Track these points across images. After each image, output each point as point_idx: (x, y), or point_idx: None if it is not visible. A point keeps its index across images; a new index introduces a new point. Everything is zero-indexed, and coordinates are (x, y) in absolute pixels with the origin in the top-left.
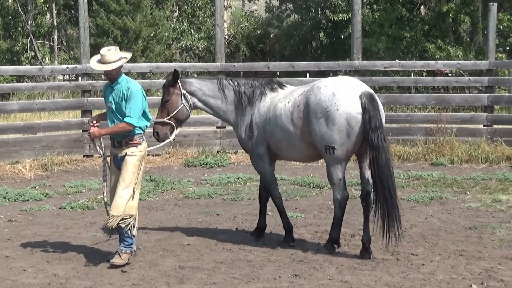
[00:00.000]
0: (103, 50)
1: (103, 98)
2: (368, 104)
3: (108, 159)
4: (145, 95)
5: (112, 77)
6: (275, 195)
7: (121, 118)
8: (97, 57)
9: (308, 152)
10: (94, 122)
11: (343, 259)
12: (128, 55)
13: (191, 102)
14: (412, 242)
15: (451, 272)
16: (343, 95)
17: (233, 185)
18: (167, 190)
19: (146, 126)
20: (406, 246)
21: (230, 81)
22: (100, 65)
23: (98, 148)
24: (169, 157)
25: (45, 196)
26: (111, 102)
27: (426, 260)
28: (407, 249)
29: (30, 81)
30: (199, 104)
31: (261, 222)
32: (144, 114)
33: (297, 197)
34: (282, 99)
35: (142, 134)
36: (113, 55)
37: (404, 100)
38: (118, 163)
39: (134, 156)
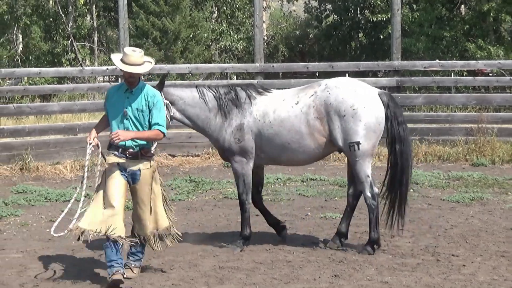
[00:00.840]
0: (128, 50)
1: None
2: (389, 101)
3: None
4: None
5: (134, 81)
6: (246, 201)
7: (139, 127)
8: (119, 55)
9: (315, 153)
10: (94, 139)
11: (383, 260)
12: (152, 60)
13: (172, 112)
14: (452, 243)
15: (492, 273)
16: (365, 93)
17: (272, 186)
18: (206, 191)
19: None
20: (446, 247)
21: (210, 88)
22: (128, 66)
23: (101, 155)
24: (209, 158)
25: (85, 196)
26: (127, 108)
27: (467, 261)
28: (448, 250)
29: (71, 82)
30: (177, 114)
31: (271, 220)
32: None
33: (336, 198)
34: (284, 102)
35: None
36: (140, 58)
37: (444, 100)
38: (131, 178)
39: (148, 170)
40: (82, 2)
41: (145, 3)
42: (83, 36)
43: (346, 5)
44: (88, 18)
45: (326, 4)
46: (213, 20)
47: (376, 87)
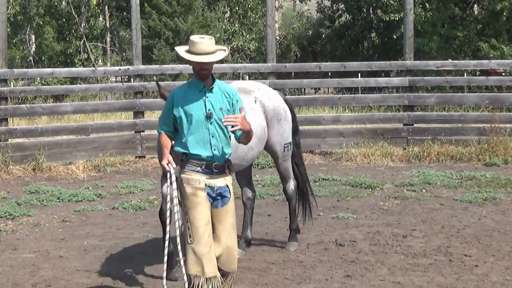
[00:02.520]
0: (195, 38)
1: (154, 100)
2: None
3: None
4: None
5: (207, 73)
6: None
7: (225, 131)
8: (184, 47)
9: (254, 158)
10: (172, 163)
11: (395, 260)
12: (226, 48)
13: None
14: (465, 243)
15: (505, 273)
16: (280, 97)
17: None
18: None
19: None
20: (459, 247)
21: None
22: (198, 56)
23: (172, 170)
24: None
25: (98, 196)
26: (210, 109)
27: (480, 261)
28: (460, 250)
29: (83, 82)
30: None
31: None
32: None
33: (348, 198)
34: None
35: None
36: (211, 45)
37: (457, 100)
38: (220, 198)
39: (232, 186)
40: (95, 3)
41: (157, 3)
42: (95, 36)
43: (358, 4)
44: (101, 18)
45: (339, 4)
46: (225, 20)
47: (388, 87)
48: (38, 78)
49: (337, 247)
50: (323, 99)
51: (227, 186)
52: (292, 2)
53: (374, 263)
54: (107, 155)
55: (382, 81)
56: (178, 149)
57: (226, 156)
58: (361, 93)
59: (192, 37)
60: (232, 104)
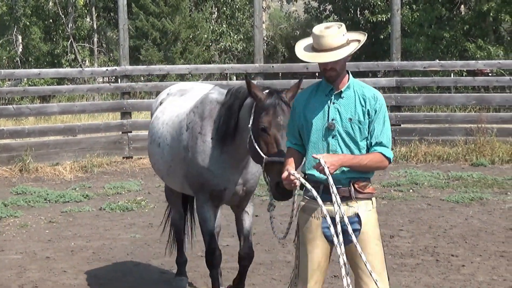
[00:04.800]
0: (317, 29)
1: (141, 101)
2: None
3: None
4: None
5: (336, 74)
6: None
7: (354, 148)
8: (306, 41)
9: None
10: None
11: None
12: (362, 36)
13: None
14: (452, 243)
15: (491, 273)
16: None
17: None
18: None
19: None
20: (446, 247)
21: None
22: (315, 54)
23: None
24: None
25: (85, 197)
26: (334, 119)
27: (466, 261)
28: (447, 250)
29: (70, 83)
30: None
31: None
32: None
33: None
34: None
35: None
36: (337, 37)
37: (443, 100)
38: (345, 233)
39: (371, 214)
40: (82, 3)
41: (145, 4)
42: (82, 37)
43: (346, 5)
44: (88, 19)
45: (326, 5)
46: (213, 21)
47: (375, 87)
48: (25, 79)
49: None
50: None
51: (358, 216)
52: (280, 2)
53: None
54: (94, 155)
55: (369, 81)
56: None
57: (351, 179)
58: None
59: (315, 29)
60: (368, 114)
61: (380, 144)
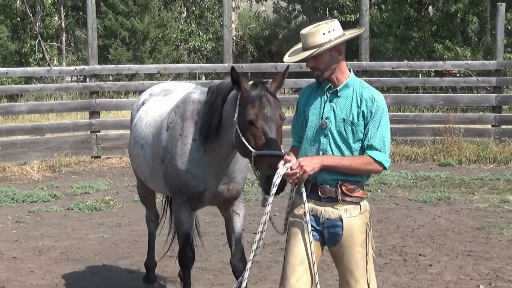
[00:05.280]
0: (305, 29)
1: (110, 100)
2: None
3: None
4: None
5: (320, 73)
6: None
7: (345, 149)
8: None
9: None
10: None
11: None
12: (357, 30)
13: None
14: (419, 242)
15: (458, 272)
16: None
17: None
18: None
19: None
20: (414, 246)
21: None
22: (295, 53)
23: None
24: None
25: (53, 197)
26: (328, 118)
27: (434, 260)
28: (415, 250)
29: (38, 82)
30: None
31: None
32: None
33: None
34: None
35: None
36: (315, 36)
37: (412, 101)
38: (329, 234)
39: (356, 220)
40: (50, 2)
41: (113, 3)
42: (51, 36)
43: (315, 5)
44: (56, 17)
45: (295, 5)
46: (182, 20)
47: None
48: None
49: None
50: (279, 99)
51: (341, 219)
52: (249, 2)
53: (330, 262)
54: (62, 155)
55: None
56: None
57: (339, 181)
58: None
59: (300, 32)
60: (363, 115)
61: (370, 147)
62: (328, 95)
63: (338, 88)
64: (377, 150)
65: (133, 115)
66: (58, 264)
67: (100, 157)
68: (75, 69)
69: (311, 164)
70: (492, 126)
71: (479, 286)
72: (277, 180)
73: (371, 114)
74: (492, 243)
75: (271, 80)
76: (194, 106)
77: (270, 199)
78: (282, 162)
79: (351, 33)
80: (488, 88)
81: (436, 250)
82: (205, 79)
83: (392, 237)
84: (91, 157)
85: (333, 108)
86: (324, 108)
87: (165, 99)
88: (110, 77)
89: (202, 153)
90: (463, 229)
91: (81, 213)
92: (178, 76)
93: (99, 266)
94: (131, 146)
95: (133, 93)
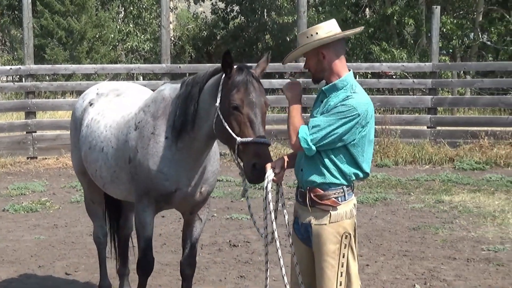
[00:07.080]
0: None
1: (46, 100)
2: None
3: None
4: (364, 123)
5: (312, 74)
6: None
7: (332, 154)
8: None
9: None
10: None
11: (288, 261)
12: (336, 32)
13: None
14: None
15: (394, 272)
16: None
17: None
18: None
19: (357, 177)
20: None
21: None
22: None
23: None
24: None
25: None
26: (314, 116)
27: (371, 260)
28: None
29: None
30: None
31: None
32: (355, 159)
33: (242, 199)
34: None
35: (346, 188)
36: (301, 38)
37: None
38: (301, 234)
39: (323, 228)
40: None
41: (50, 2)
42: None
43: (253, 7)
44: None
45: (233, 6)
46: (119, 20)
47: (281, 89)
48: None
49: (231, 248)
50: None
51: (310, 224)
52: (187, 3)
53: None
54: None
55: (276, 82)
56: None
57: (313, 184)
58: None
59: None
60: (328, 111)
61: (308, 123)
62: (321, 95)
63: (323, 88)
64: (309, 128)
65: (78, 116)
66: (24, 268)
67: (36, 157)
68: (11, 68)
69: (279, 161)
70: (428, 127)
71: (414, 285)
72: (268, 185)
73: (328, 110)
74: (428, 243)
75: (256, 64)
76: (166, 103)
77: (271, 206)
78: (269, 164)
79: (328, 36)
80: (424, 90)
81: (373, 250)
82: (143, 79)
83: None
84: (27, 158)
85: (319, 106)
86: (315, 106)
87: (121, 100)
88: (47, 77)
89: (175, 151)
90: (399, 229)
91: (16, 214)
92: (115, 77)
93: (35, 268)
94: (86, 150)
95: (70, 94)
